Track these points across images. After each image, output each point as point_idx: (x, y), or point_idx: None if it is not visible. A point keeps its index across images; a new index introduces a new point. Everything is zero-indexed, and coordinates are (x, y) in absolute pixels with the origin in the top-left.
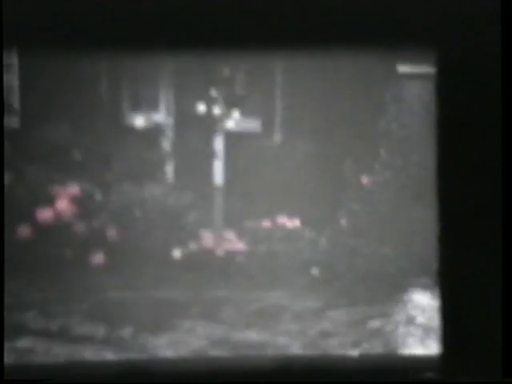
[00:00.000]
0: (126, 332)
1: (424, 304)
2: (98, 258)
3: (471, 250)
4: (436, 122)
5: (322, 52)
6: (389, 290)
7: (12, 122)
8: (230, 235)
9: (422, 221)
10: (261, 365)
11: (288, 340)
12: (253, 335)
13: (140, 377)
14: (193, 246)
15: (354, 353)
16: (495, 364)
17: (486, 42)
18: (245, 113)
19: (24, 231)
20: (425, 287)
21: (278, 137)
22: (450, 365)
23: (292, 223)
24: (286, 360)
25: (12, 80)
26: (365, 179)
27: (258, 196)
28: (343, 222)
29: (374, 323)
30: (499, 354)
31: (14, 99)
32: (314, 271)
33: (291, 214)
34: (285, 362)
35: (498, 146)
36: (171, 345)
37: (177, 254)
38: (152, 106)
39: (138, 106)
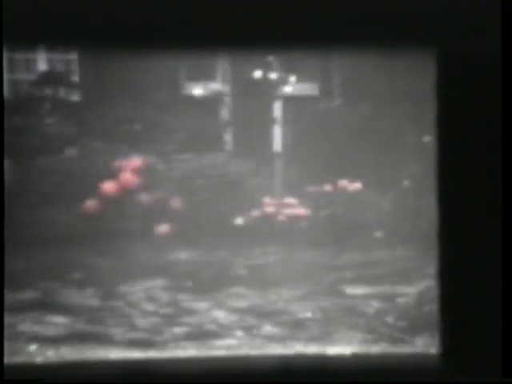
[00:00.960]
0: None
1: None
2: (163, 227)
3: (471, 250)
4: (436, 121)
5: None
6: None
7: (73, 96)
8: (292, 201)
9: None
10: (261, 365)
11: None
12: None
13: (140, 377)
14: (255, 213)
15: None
16: (495, 364)
17: (486, 42)
18: (302, 77)
19: (89, 204)
20: None
21: (336, 100)
22: (450, 365)
23: (353, 186)
24: (286, 360)
25: (72, 54)
26: (427, 139)
27: (318, 161)
28: (406, 183)
29: None
30: (499, 353)
31: (75, 74)
32: (378, 234)
33: (353, 178)
34: (285, 362)
35: (498, 145)
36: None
37: (239, 220)
38: (209, 74)
39: (195, 76)
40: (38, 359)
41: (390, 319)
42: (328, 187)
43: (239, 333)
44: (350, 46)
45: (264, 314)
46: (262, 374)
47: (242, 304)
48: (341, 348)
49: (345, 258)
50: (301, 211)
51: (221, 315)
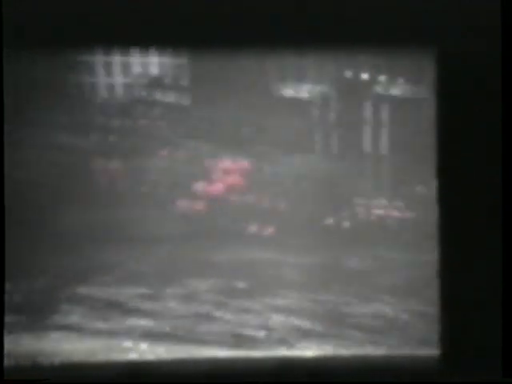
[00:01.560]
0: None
1: None
2: (260, 228)
3: (471, 250)
4: (436, 121)
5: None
6: None
7: (181, 100)
8: (383, 202)
9: None
10: (261, 365)
11: None
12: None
13: (140, 377)
14: (346, 214)
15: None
16: (495, 364)
17: (486, 42)
18: (398, 78)
19: (184, 204)
20: None
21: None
22: (450, 365)
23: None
24: (286, 360)
25: (182, 59)
26: None
27: (411, 162)
28: None
29: None
30: (499, 353)
31: (185, 77)
32: None
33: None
34: (285, 362)
35: (498, 144)
36: None
37: (330, 221)
38: (300, 75)
39: (285, 77)
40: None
41: None
42: (421, 189)
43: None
44: (350, 46)
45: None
46: (262, 374)
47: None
48: None
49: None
50: (392, 213)
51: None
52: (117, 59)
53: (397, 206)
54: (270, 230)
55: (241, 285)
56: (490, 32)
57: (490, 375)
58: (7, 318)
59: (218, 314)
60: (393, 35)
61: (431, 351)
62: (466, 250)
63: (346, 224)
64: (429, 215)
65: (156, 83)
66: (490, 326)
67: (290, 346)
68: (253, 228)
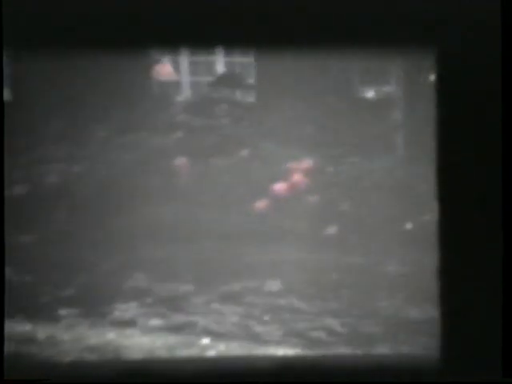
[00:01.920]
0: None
1: None
2: (331, 229)
3: (471, 250)
4: (436, 121)
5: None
6: None
7: (249, 98)
8: None
9: None
10: (261, 365)
11: None
12: None
13: (140, 377)
14: (425, 218)
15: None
16: (495, 364)
17: (486, 42)
18: None
19: (260, 204)
20: None
21: None
22: (450, 365)
23: None
24: (286, 360)
25: (249, 57)
26: None
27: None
28: None
29: None
30: (499, 353)
31: (251, 75)
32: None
33: None
34: (285, 362)
35: (498, 144)
36: None
37: (409, 226)
38: (382, 77)
39: (368, 79)
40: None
41: None
42: None
43: None
44: (350, 46)
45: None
46: (262, 374)
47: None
48: None
49: None
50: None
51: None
52: (184, 58)
53: None
54: (340, 232)
55: (300, 286)
56: (489, 32)
57: (490, 375)
58: (64, 312)
59: (275, 314)
60: (392, 35)
61: None
62: (465, 249)
63: (424, 227)
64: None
65: (228, 81)
66: (490, 325)
67: (354, 347)
68: (325, 229)
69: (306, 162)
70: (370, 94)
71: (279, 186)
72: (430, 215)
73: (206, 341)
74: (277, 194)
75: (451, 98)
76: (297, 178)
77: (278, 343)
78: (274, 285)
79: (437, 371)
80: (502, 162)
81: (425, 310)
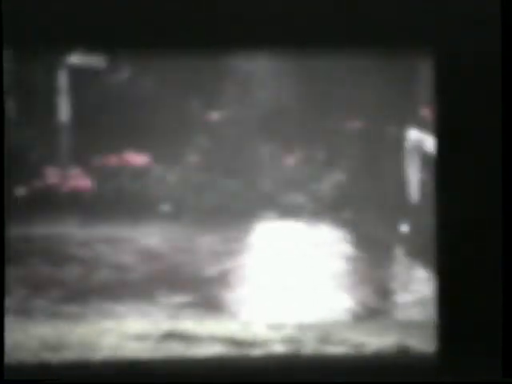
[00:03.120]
0: None
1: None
2: None
3: (471, 250)
4: (436, 120)
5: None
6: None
7: None
8: (76, 172)
9: (268, 155)
10: (261, 365)
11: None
12: None
13: (140, 377)
14: (37, 183)
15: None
16: (495, 364)
17: (486, 42)
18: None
19: None
20: (270, 219)
21: (124, 73)
22: (450, 365)
23: (140, 160)
24: (286, 360)
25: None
26: (212, 115)
27: (104, 132)
28: (191, 158)
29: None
30: (499, 353)
31: None
32: (164, 207)
33: (139, 151)
34: (285, 362)
35: (497, 145)
36: None
37: (21, 191)
38: None
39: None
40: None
41: None
42: (114, 159)
43: None
44: (350, 46)
45: None
46: (262, 374)
47: None
48: None
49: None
50: (85, 183)
51: None
52: None
53: (89, 175)
54: None
55: None
56: (489, 32)
57: (490, 375)
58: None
59: None
60: (392, 35)
61: None
62: (465, 249)
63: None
64: (122, 187)
65: None
66: (490, 325)
67: None
68: None
69: None
70: None
71: None
72: (40, 180)
73: None
74: None
75: (451, 98)
76: None
77: None
78: None
79: (436, 371)
80: (502, 162)
81: None
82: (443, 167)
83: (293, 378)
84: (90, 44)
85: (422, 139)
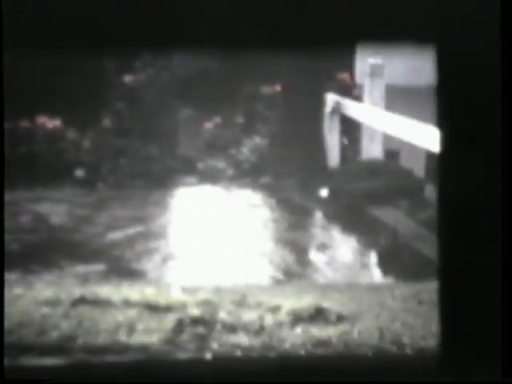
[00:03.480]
0: None
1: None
2: None
3: (471, 250)
4: (437, 120)
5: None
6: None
7: None
8: None
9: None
10: (261, 365)
11: None
12: None
13: (140, 377)
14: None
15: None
16: (495, 364)
17: (486, 42)
18: None
19: None
20: (190, 185)
21: None
22: (450, 365)
23: (53, 124)
24: (286, 360)
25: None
26: (127, 78)
27: (15, 95)
28: (106, 121)
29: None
30: (499, 353)
31: None
32: (79, 173)
33: (52, 115)
34: (285, 362)
35: (498, 144)
36: None
37: None
38: None
39: None
40: None
41: None
42: (26, 123)
43: None
44: (350, 44)
45: None
46: (262, 374)
47: None
48: None
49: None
50: None
51: None
52: None
53: None
54: None
55: None
56: (489, 32)
57: (490, 375)
58: None
59: None
60: (392, 33)
61: None
62: (465, 249)
63: None
64: (34, 151)
65: None
66: (490, 325)
67: None
68: None
69: None
70: None
71: None
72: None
73: None
74: None
75: (451, 97)
76: None
77: None
78: None
79: (436, 371)
80: (502, 162)
81: None
82: (443, 167)
83: (293, 377)
84: (89, 44)
85: (340, 103)
